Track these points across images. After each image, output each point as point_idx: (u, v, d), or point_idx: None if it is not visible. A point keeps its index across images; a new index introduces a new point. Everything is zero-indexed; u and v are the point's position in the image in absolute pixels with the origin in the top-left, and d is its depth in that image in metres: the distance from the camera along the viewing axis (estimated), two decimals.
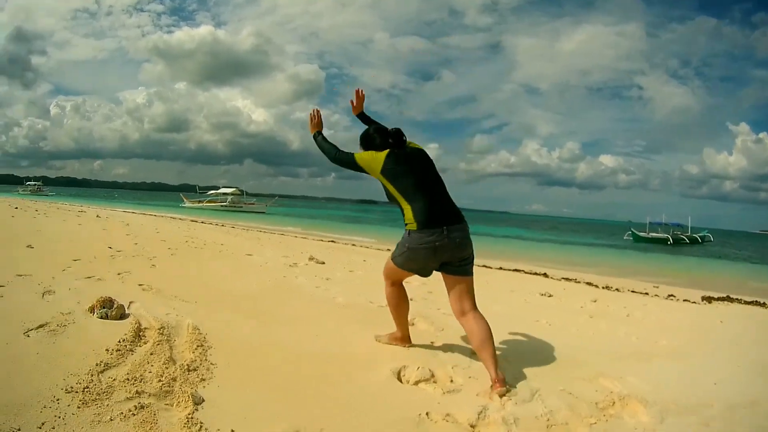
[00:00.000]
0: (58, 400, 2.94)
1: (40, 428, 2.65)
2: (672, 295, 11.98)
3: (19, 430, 2.59)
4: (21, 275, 5.69)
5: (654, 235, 55.42)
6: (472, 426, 3.47)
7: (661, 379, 4.70)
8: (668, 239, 52.67)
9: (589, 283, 13.20)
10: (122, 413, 2.91)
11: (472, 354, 4.92)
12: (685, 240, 53.59)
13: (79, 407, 2.90)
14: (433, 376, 4.26)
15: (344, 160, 4.87)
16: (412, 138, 4.84)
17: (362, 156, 4.72)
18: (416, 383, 4.16)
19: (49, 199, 54.49)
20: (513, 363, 4.83)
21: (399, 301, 5.22)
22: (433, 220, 4.42)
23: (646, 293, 12.16)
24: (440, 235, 4.38)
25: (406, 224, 4.55)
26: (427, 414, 3.53)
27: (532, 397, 4.00)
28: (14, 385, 3.04)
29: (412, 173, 4.56)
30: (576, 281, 13.63)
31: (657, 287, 13.75)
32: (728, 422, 3.88)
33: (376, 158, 4.60)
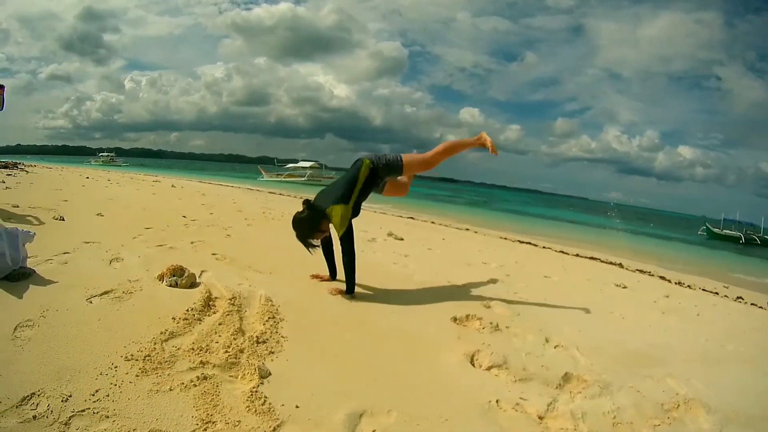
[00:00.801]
0: (116, 367, 2.92)
1: (93, 395, 2.62)
2: (740, 297, 11.55)
3: (70, 396, 2.56)
4: (88, 242, 5.72)
5: (727, 232, 54.05)
6: (540, 417, 3.39)
7: (726, 385, 4.56)
8: (741, 237, 51.44)
9: (662, 277, 12.80)
10: (183, 383, 2.88)
11: (547, 342, 4.87)
12: (757, 240, 51.80)
13: (137, 376, 2.88)
14: (506, 362, 4.18)
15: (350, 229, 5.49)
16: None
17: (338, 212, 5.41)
18: (489, 368, 4.08)
19: (122, 170, 55.49)
20: (585, 354, 4.72)
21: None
22: None
23: (717, 293, 11.75)
24: None
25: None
26: (496, 402, 3.47)
27: (602, 391, 3.91)
28: (71, 352, 3.03)
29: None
30: (650, 274, 13.25)
31: (727, 287, 13.32)
32: None
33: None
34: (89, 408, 2.50)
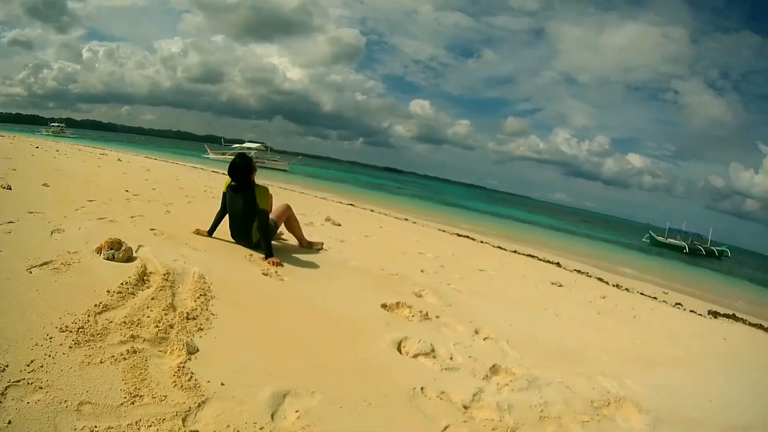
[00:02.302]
0: (50, 338, 2.91)
1: (29, 366, 2.61)
2: (679, 304, 11.94)
3: (6, 366, 2.55)
4: (32, 212, 5.65)
5: (671, 241, 54.85)
6: (466, 407, 3.45)
7: (659, 387, 4.69)
8: (685, 247, 52.04)
9: (600, 279, 13.16)
10: (113, 356, 2.88)
11: (476, 333, 4.96)
12: (701, 251, 52.75)
13: (71, 347, 2.87)
14: (433, 350, 4.25)
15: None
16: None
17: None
18: (415, 356, 4.14)
19: (71, 141, 54.51)
20: (515, 347, 4.81)
21: None
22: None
23: (655, 297, 12.10)
24: None
25: None
26: (422, 389, 3.51)
27: (530, 385, 3.99)
28: (9, 321, 3.01)
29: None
30: (588, 275, 13.58)
31: (666, 293, 13.69)
32: None
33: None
34: (24, 378, 2.49)
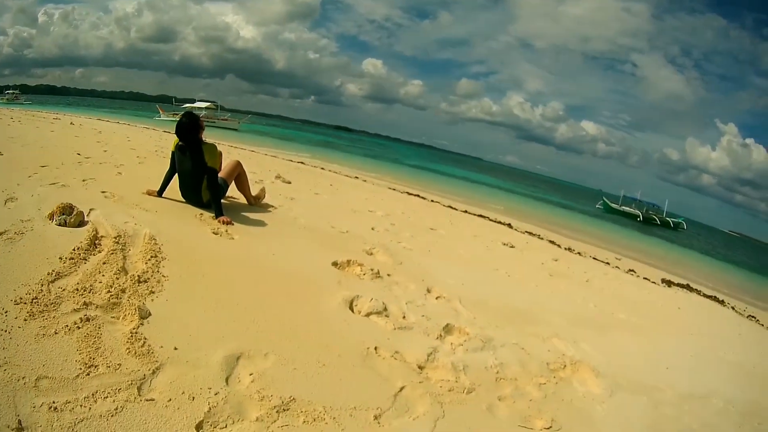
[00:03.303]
0: (6, 312, 2.86)
1: None
2: (632, 270, 12.16)
3: None
4: None
5: (625, 208, 55.10)
6: (420, 367, 3.51)
7: (615, 352, 4.81)
8: (639, 216, 52.26)
9: (551, 242, 13.36)
10: (67, 326, 2.85)
11: (428, 292, 5.02)
12: (656, 221, 52.96)
13: (26, 320, 2.82)
14: (386, 309, 4.29)
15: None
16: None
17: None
18: (368, 315, 4.18)
19: (25, 107, 53.37)
20: (468, 307, 4.87)
21: None
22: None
23: (608, 263, 12.34)
24: None
25: None
26: (375, 349, 3.57)
27: (484, 346, 4.06)
28: None
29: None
30: (539, 237, 13.80)
31: (619, 259, 14.01)
32: (678, 410, 4.00)
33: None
34: None
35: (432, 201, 16.94)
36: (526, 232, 14.11)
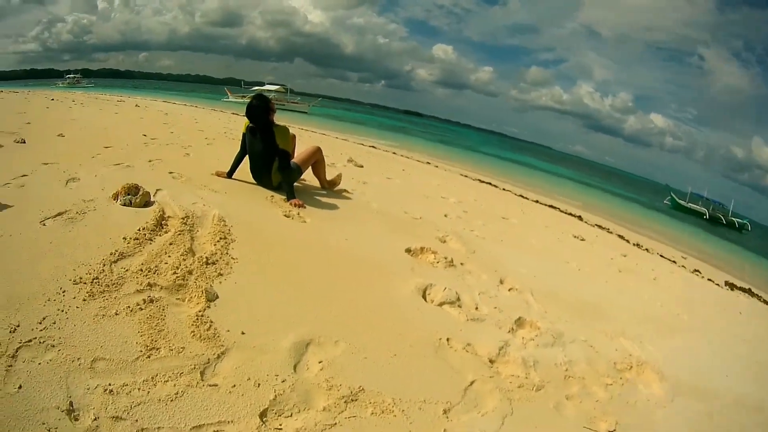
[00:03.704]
0: (64, 292, 2.80)
1: (41, 323, 2.50)
2: (698, 271, 11.80)
3: (18, 326, 2.44)
4: (47, 163, 5.51)
5: (693, 206, 53.79)
6: (492, 361, 3.40)
7: (678, 355, 4.64)
8: (705, 213, 51.13)
9: (620, 236, 13.06)
10: (129, 307, 2.79)
11: (501, 283, 4.88)
12: (722, 220, 51.32)
13: (84, 300, 2.77)
14: (458, 299, 4.16)
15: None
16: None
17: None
18: (440, 305, 4.06)
19: (88, 90, 54.39)
20: (539, 300, 4.74)
21: None
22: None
23: (674, 261, 12.01)
24: None
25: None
26: (447, 340, 3.46)
27: (555, 341, 3.94)
28: (21, 277, 2.89)
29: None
30: (609, 231, 13.48)
31: (685, 258, 13.66)
32: (732, 420, 3.82)
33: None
34: (36, 338, 2.40)
35: (504, 189, 16.74)
36: (596, 225, 13.89)
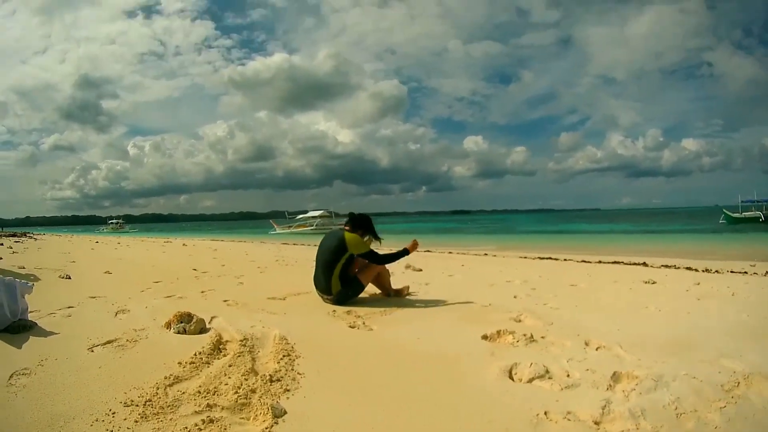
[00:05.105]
0: (113, 413, 2.72)
1: None
2: None
3: None
4: (94, 297, 5.55)
5: (746, 214, 54.83)
6: (597, 423, 3.11)
7: None
8: (760, 216, 52.11)
9: (688, 268, 12.89)
10: (186, 428, 2.63)
11: (587, 345, 4.63)
12: None
13: (136, 421, 2.66)
14: (547, 372, 3.90)
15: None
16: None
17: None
18: (530, 381, 3.79)
19: (131, 235, 56.17)
20: (630, 351, 4.47)
21: None
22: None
23: (745, 272, 11.85)
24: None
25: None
26: (545, 413, 3.18)
27: (656, 385, 3.63)
28: (67, 399, 2.85)
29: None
30: (676, 267, 13.31)
31: (754, 265, 13.43)
32: None
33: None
34: None
35: (565, 260, 16.69)
36: (662, 265, 13.69)
